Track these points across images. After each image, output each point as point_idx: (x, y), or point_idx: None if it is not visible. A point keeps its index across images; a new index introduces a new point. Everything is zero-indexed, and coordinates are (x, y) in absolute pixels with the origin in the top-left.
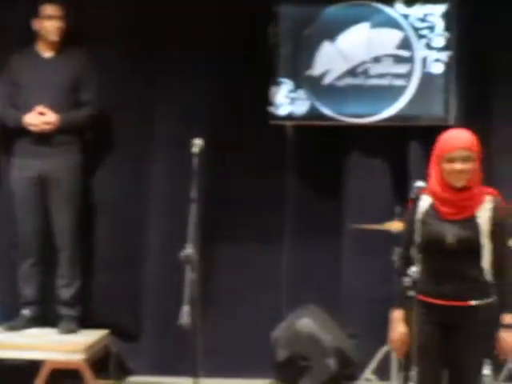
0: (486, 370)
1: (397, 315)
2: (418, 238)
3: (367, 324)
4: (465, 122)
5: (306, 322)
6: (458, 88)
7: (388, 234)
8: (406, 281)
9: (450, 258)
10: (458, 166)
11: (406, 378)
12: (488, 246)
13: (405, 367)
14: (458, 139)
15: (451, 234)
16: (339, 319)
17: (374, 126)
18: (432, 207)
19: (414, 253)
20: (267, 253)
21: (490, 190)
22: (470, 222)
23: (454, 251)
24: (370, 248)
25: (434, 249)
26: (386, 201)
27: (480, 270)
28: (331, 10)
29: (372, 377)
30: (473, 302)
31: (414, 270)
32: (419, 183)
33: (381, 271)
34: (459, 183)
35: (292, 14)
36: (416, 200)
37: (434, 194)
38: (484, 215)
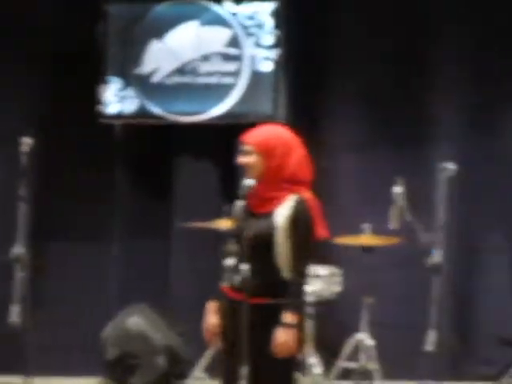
0: (317, 369)
1: (209, 307)
2: (232, 232)
3: (197, 322)
4: (294, 119)
5: (136, 321)
6: (287, 86)
7: (216, 232)
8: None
9: (249, 253)
10: (239, 159)
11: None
12: (284, 244)
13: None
14: (248, 134)
15: (250, 228)
16: (169, 318)
17: (203, 125)
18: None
19: (231, 246)
20: (98, 252)
21: (297, 188)
22: (268, 218)
23: (252, 246)
24: (198, 246)
25: (239, 243)
26: (215, 199)
27: (275, 268)
28: (160, 9)
29: (202, 375)
30: (267, 300)
31: (228, 262)
32: (248, 181)
33: (209, 269)
34: (246, 176)
35: (120, 13)
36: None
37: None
38: (283, 213)
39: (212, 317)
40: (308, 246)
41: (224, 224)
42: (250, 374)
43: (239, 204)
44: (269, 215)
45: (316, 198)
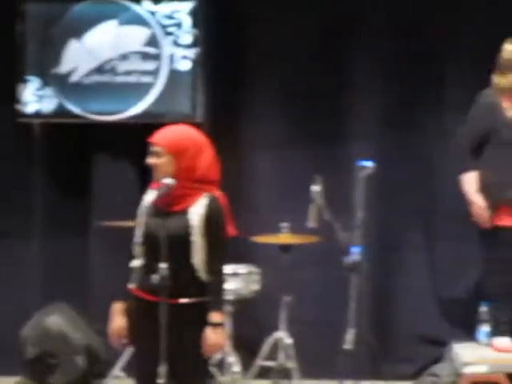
0: (236, 368)
1: (115, 308)
2: (139, 232)
3: None
4: (212, 118)
5: (55, 320)
6: (205, 85)
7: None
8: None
9: (163, 253)
10: (148, 160)
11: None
12: (200, 243)
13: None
14: (157, 135)
15: (163, 228)
16: (88, 317)
17: (121, 124)
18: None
19: (138, 247)
20: (17, 251)
21: (208, 187)
22: (182, 217)
23: (168, 246)
24: (116, 245)
25: (149, 243)
26: (133, 198)
27: (191, 267)
28: (78, 8)
29: (121, 374)
30: (183, 300)
31: (135, 263)
32: (168, 180)
33: (127, 268)
34: (156, 177)
35: (39, 12)
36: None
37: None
38: (197, 211)
39: (117, 318)
40: (223, 244)
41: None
42: (168, 373)
43: (146, 203)
44: (183, 214)
45: (226, 196)
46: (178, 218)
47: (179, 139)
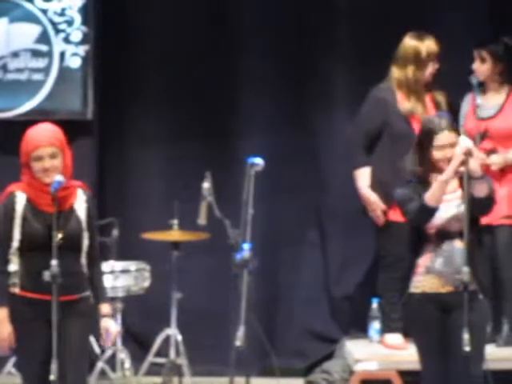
0: (127, 364)
1: (1, 314)
2: (17, 234)
3: None
4: (102, 114)
5: None
6: (95, 81)
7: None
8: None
9: (54, 252)
10: (47, 164)
11: None
12: (86, 239)
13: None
14: (43, 137)
15: (57, 226)
16: None
17: (12, 121)
18: (29, 202)
19: (14, 250)
20: None
21: (80, 183)
22: (72, 215)
23: (59, 246)
24: None
25: (35, 244)
26: None
27: (80, 262)
28: None
29: (13, 370)
30: (75, 296)
31: (13, 266)
32: (59, 178)
33: None
34: (49, 179)
35: None
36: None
37: (30, 189)
38: (82, 207)
39: (5, 325)
40: (97, 237)
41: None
42: (59, 368)
43: (21, 202)
44: (71, 211)
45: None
46: (68, 216)
47: (61, 136)
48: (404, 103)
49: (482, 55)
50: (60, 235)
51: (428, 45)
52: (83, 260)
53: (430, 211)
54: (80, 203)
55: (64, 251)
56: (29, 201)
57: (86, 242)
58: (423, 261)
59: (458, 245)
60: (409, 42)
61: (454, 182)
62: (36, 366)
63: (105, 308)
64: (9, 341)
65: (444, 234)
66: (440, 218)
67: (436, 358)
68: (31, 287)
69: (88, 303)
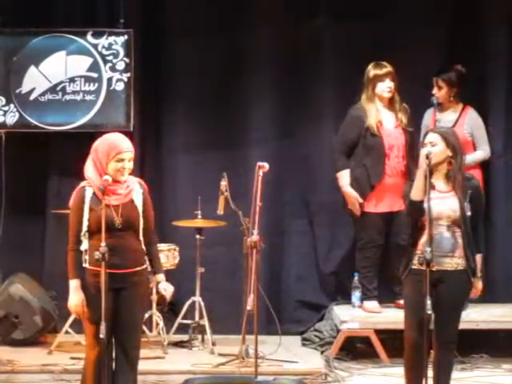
0: (161, 324)
1: (73, 284)
2: (86, 221)
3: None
4: (141, 127)
5: (17, 287)
6: (136, 101)
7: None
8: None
9: (114, 235)
10: (126, 165)
11: None
12: (143, 221)
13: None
14: (127, 143)
15: (118, 214)
16: (43, 284)
17: (70, 133)
18: (95, 195)
19: (84, 232)
20: None
21: (138, 179)
22: (130, 205)
23: (121, 229)
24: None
25: (99, 228)
26: None
27: (140, 241)
28: (36, 41)
29: (70, 330)
30: (133, 270)
31: (84, 246)
32: (106, 177)
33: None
34: (124, 178)
35: (5, 44)
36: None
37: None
38: (139, 198)
39: (78, 293)
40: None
41: None
42: (120, 327)
43: (89, 197)
44: (129, 202)
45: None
46: (128, 206)
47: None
48: (370, 118)
49: (438, 83)
50: (118, 221)
51: (375, 68)
52: (141, 240)
53: (415, 204)
54: (137, 195)
55: (125, 233)
56: (94, 194)
57: (142, 226)
58: (420, 245)
59: (446, 234)
60: (367, 69)
61: (448, 184)
62: (98, 327)
63: (161, 276)
64: (81, 306)
65: (435, 225)
66: (433, 211)
67: (419, 312)
68: (97, 263)
69: (144, 275)
